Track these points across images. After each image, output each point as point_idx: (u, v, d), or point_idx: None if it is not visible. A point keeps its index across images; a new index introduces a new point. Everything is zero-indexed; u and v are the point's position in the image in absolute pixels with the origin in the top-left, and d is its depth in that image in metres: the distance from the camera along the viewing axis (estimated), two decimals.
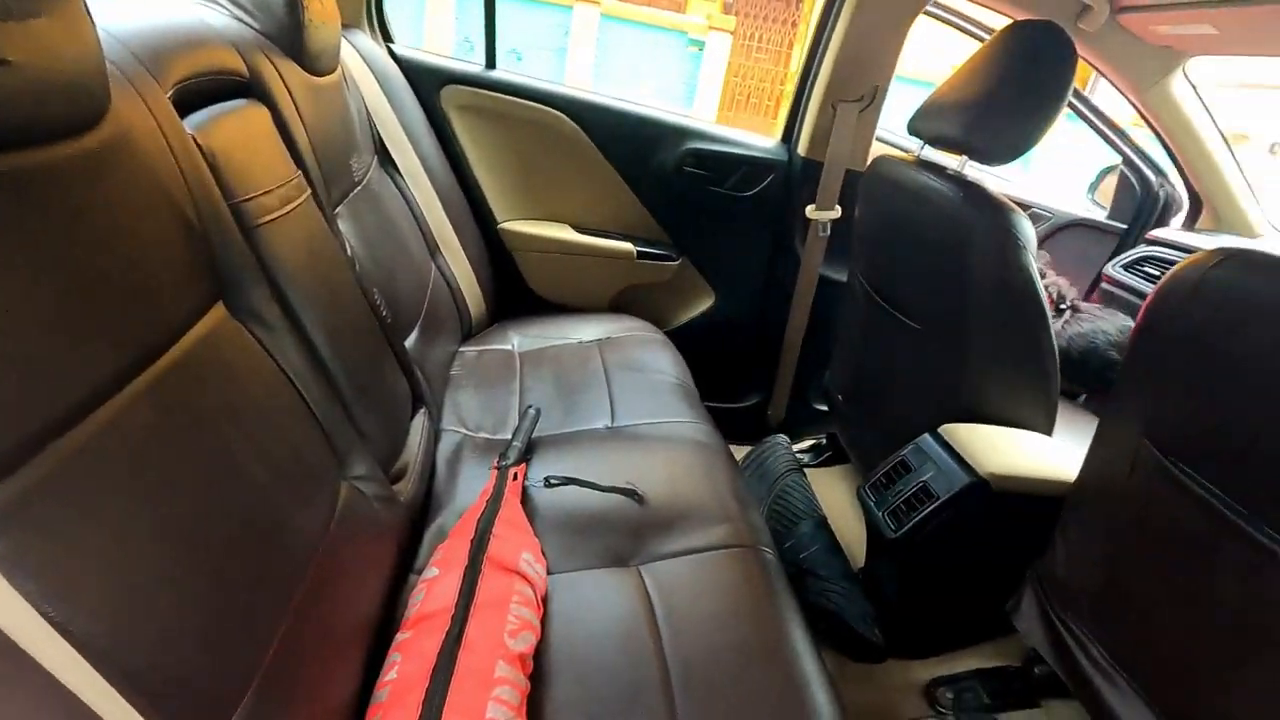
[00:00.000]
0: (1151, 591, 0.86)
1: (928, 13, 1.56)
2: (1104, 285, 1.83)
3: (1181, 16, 1.27)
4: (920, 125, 1.24)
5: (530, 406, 1.19)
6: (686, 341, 1.60)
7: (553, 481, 1.02)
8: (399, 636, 0.73)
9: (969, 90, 1.13)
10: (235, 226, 0.70)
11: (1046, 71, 1.05)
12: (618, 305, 1.75)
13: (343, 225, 1.04)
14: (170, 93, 0.66)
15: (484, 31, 1.58)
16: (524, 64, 8.01)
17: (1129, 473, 0.87)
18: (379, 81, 1.36)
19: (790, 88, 1.67)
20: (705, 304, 1.79)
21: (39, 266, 0.44)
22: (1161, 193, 1.81)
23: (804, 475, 1.60)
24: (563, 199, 1.67)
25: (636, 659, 0.78)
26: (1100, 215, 2.02)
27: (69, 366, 0.45)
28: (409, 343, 1.16)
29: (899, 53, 1.49)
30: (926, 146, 1.26)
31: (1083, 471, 0.98)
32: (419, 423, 1.07)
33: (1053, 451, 1.12)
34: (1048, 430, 1.20)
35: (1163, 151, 1.74)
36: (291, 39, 0.96)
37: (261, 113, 0.86)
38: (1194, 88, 1.61)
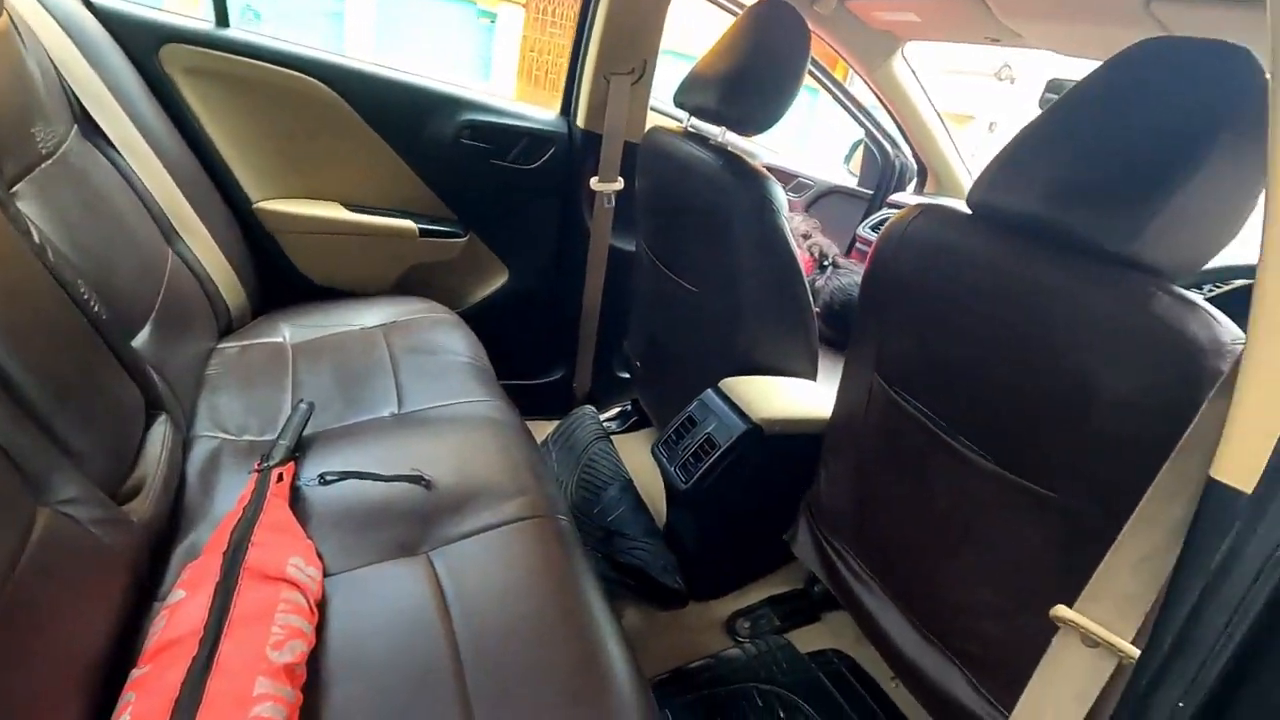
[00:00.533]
0: (889, 504, 1.00)
1: None
2: (857, 245, 2.08)
3: (892, 4, 1.45)
4: (684, 98, 1.30)
5: (301, 401, 1.09)
6: (483, 321, 1.56)
7: (329, 478, 0.94)
8: (134, 673, 0.64)
9: (721, 65, 1.20)
10: None
11: (784, 48, 1.15)
12: (405, 287, 1.65)
13: (27, 206, 0.86)
14: None
15: None
16: (296, 31, 7.20)
17: (867, 404, 1.00)
18: (70, 35, 1.13)
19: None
20: (499, 281, 1.75)
21: None
22: (897, 162, 2.08)
23: (610, 442, 1.65)
24: (328, 175, 1.52)
25: (425, 646, 0.75)
26: (853, 183, 2.29)
27: None
28: (139, 342, 1.00)
29: (662, 26, 1.54)
30: (692, 118, 1.32)
31: (834, 409, 1.11)
32: (159, 432, 0.93)
33: (814, 395, 1.26)
34: (812, 376, 1.33)
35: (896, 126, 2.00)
36: None
37: None
38: (913, 71, 1.86)
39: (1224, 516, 0.44)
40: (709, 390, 1.26)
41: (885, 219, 2.02)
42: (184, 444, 1.00)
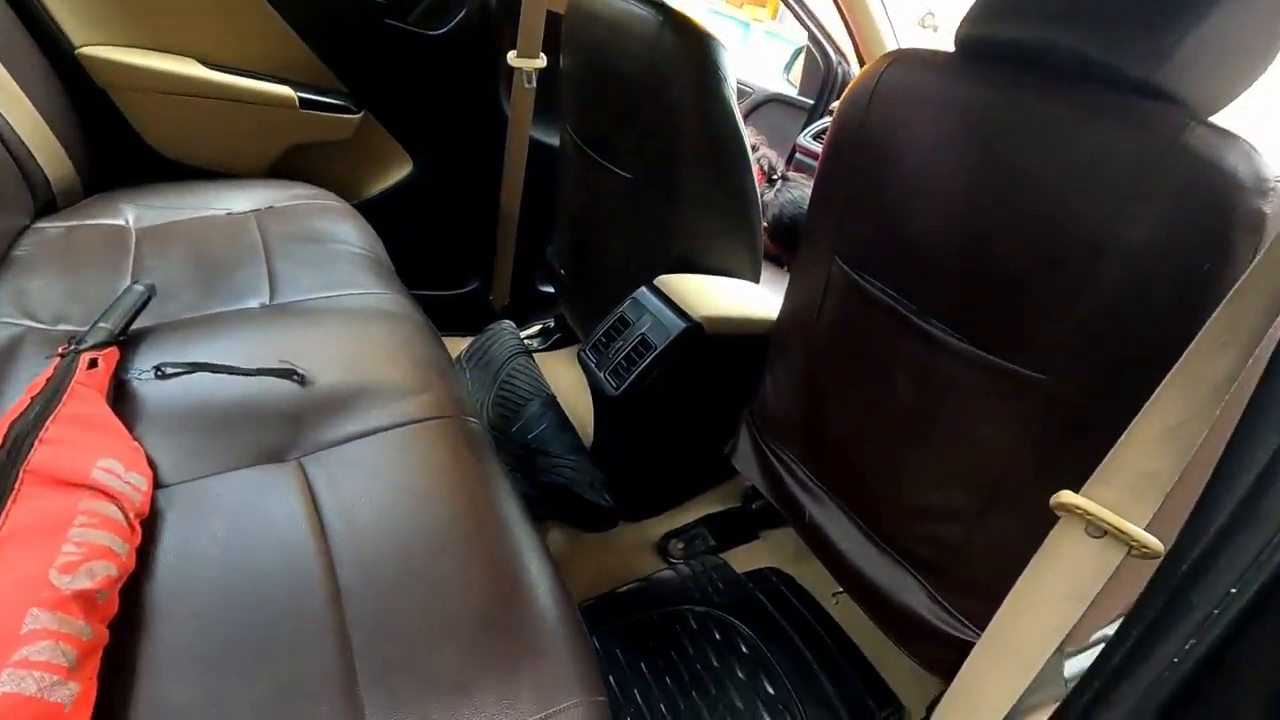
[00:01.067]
0: (844, 405, 0.90)
1: None
2: (798, 155, 1.95)
3: None
4: None
5: (137, 282, 0.87)
6: (384, 217, 1.34)
7: (168, 370, 0.74)
8: None
9: None
10: None
11: None
12: (284, 170, 1.39)
13: None
14: None
15: None
16: None
17: (823, 297, 0.89)
18: None
19: None
20: (401, 172, 1.51)
21: None
22: (840, 69, 1.94)
23: (531, 358, 1.49)
24: (181, 24, 1.22)
25: (290, 569, 0.59)
26: (793, 92, 2.15)
27: None
28: None
29: None
30: None
31: (784, 306, 0.99)
32: None
33: (759, 296, 1.14)
34: (755, 279, 1.21)
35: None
36: None
37: None
38: None
39: None
40: (643, 288, 1.12)
41: (827, 128, 1.90)
42: None
